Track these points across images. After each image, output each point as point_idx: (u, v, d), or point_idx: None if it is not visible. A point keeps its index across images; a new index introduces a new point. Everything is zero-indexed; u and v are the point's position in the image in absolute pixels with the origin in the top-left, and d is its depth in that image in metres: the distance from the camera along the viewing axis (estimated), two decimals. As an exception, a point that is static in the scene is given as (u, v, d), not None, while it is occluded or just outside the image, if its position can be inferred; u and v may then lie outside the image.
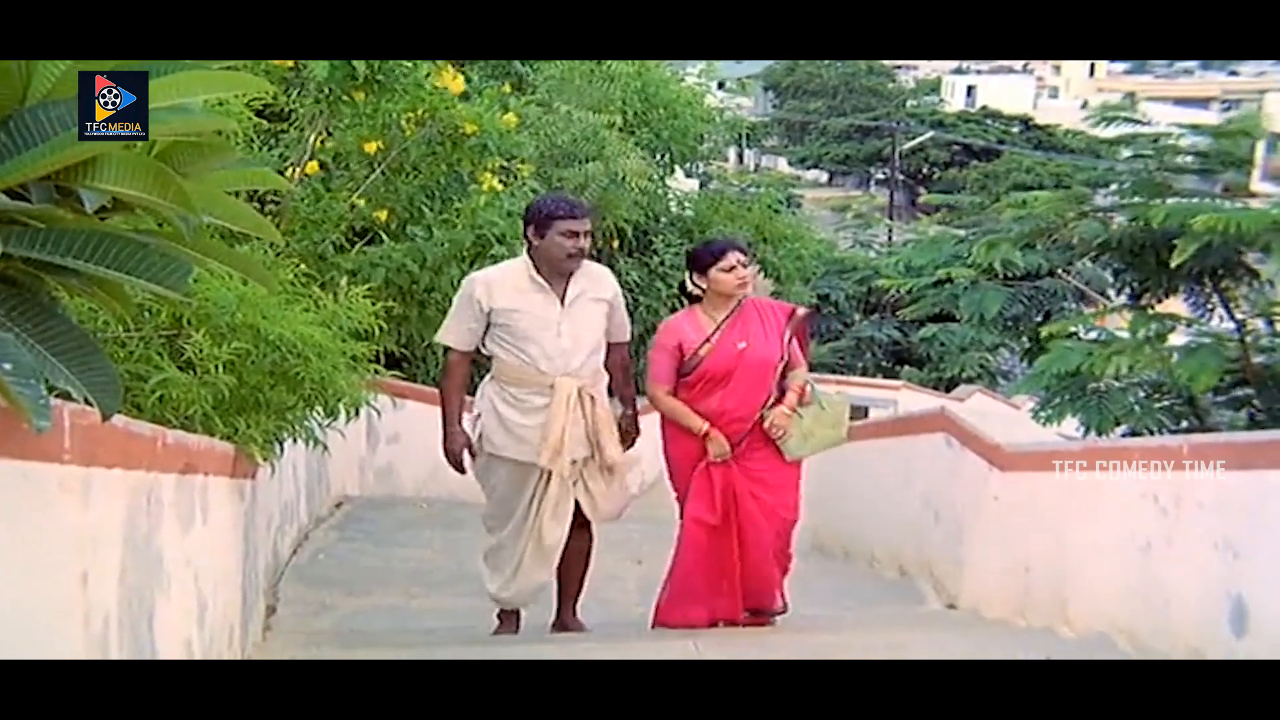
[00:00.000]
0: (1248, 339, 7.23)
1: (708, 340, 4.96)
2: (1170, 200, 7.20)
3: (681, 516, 5.13)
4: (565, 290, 4.77)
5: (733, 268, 4.93)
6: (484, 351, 4.88)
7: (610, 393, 5.01)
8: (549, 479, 4.81)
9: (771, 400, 5.01)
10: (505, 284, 4.76)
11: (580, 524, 4.98)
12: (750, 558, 5.04)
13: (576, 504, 4.89)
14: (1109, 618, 4.74)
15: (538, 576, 4.99)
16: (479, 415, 4.90)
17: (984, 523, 5.91)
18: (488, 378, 4.93)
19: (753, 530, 5.00)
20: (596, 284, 4.90)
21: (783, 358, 5.02)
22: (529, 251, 4.80)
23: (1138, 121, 8.62)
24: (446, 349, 4.94)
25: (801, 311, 5.17)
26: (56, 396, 2.03)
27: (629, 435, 5.05)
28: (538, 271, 4.75)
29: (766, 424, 4.98)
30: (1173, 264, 6.80)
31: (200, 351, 3.81)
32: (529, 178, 8.16)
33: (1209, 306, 7.64)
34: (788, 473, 5.11)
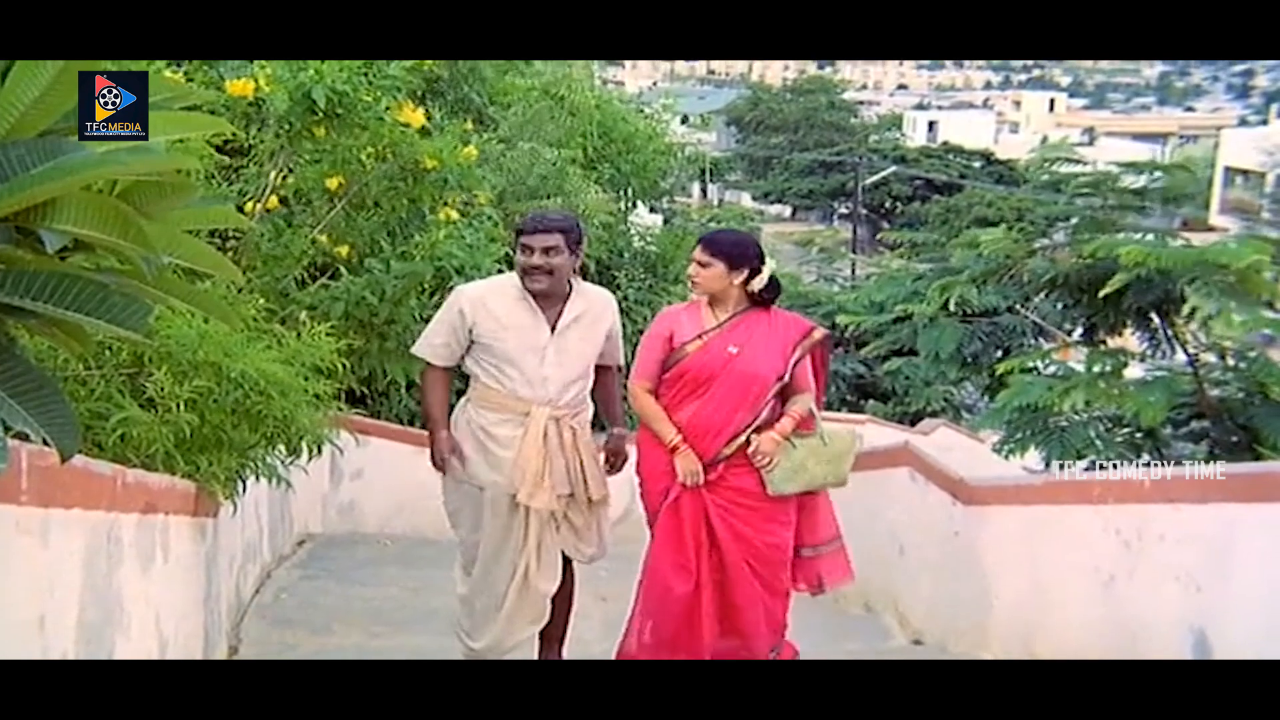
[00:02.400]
0: (1201, 372, 7.31)
1: (699, 337, 4.50)
2: (1119, 236, 7.32)
3: (650, 544, 4.63)
4: (560, 314, 4.43)
5: (689, 261, 4.57)
6: (464, 370, 4.55)
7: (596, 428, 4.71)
8: (529, 520, 4.44)
9: (760, 422, 4.49)
10: (494, 301, 4.41)
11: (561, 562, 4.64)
12: (736, 596, 4.54)
13: None
14: (1073, 651, 4.76)
15: (521, 631, 4.61)
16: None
17: (948, 557, 5.92)
18: (463, 401, 4.57)
19: (735, 567, 4.51)
20: (595, 308, 4.55)
21: (781, 377, 4.50)
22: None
23: (1078, 161, 8.77)
24: (426, 364, 4.57)
25: (819, 333, 4.64)
26: (14, 437, 2.01)
27: (615, 457, 4.70)
28: (529, 291, 4.40)
29: (751, 449, 4.45)
30: (1101, 295, 6.92)
31: (162, 390, 3.79)
32: (487, 205, 8.14)
33: (1156, 342, 7.73)
34: (772, 504, 4.53)
